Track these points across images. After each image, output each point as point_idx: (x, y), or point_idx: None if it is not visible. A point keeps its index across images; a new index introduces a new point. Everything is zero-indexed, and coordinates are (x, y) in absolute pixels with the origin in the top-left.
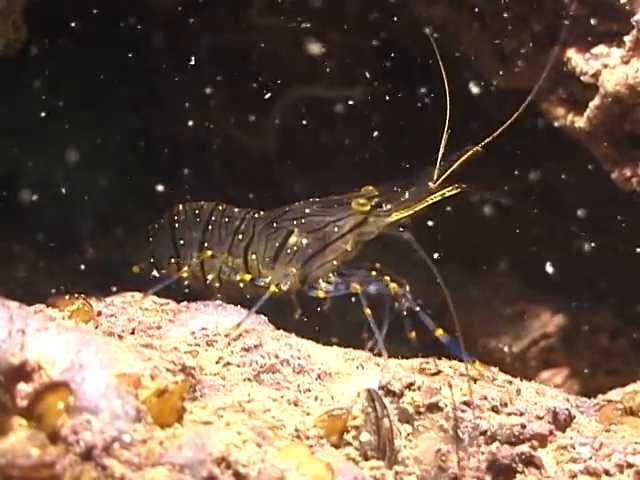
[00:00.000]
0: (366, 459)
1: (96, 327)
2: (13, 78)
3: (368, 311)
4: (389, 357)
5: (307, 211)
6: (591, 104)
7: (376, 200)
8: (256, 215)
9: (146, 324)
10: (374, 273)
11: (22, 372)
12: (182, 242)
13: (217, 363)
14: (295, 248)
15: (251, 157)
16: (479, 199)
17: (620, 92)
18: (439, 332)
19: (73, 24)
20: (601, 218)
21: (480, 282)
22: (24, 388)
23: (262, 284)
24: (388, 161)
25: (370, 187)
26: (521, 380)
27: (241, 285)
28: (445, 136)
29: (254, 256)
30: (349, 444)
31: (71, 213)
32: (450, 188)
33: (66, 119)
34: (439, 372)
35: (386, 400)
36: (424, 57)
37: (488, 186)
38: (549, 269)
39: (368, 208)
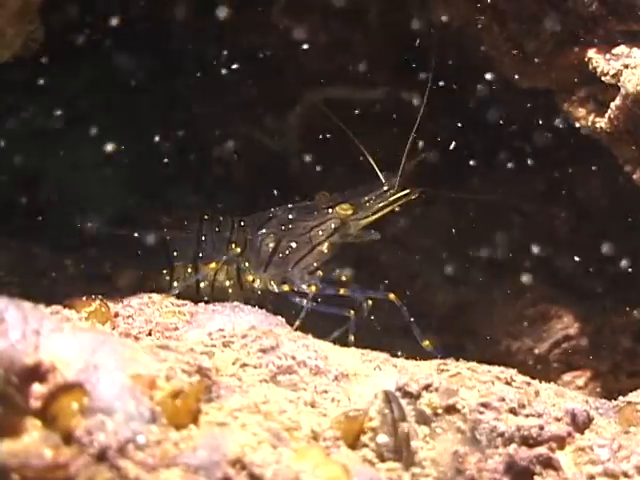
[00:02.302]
0: (383, 461)
1: (113, 328)
2: (31, 80)
3: (352, 312)
4: (407, 359)
5: (290, 217)
6: (612, 105)
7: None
8: (242, 223)
9: (163, 325)
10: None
11: (36, 373)
12: (175, 254)
13: (233, 364)
14: (287, 252)
15: (273, 158)
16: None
17: None
18: (426, 343)
19: (92, 25)
20: (623, 219)
21: (503, 283)
22: (38, 389)
23: (256, 286)
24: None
25: (325, 193)
26: (540, 382)
27: (230, 291)
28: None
29: (247, 263)
30: (366, 446)
31: (86, 216)
32: (407, 191)
33: (86, 122)
34: (457, 374)
35: (403, 401)
36: (446, 58)
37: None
38: (572, 270)
39: (351, 212)
